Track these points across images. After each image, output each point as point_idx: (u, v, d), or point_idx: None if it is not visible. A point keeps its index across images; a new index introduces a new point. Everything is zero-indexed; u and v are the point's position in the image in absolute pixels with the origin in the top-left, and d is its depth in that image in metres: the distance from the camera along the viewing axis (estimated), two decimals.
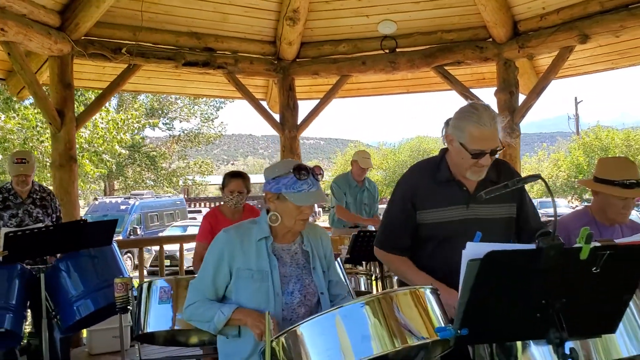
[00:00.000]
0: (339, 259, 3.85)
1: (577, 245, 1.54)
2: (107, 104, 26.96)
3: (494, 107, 6.66)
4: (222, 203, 4.29)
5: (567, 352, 1.61)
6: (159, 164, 31.49)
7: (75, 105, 6.86)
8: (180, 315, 3.15)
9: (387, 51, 6.80)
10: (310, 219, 2.35)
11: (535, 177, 1.80)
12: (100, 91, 6.60)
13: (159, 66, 6.35)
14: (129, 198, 20.48)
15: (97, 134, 13.68)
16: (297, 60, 7.04)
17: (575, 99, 44.00)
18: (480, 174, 2.42)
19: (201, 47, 6.48)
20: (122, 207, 19.16)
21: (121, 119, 14.62)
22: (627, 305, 1.72)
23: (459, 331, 1.62)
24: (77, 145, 14.74)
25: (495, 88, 6.71)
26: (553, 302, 1.62)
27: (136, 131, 26.32)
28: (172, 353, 4.59)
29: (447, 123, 2.53)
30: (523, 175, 2.75)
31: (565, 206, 29.51)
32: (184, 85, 7.45)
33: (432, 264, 2.43)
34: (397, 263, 2.53)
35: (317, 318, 1.78)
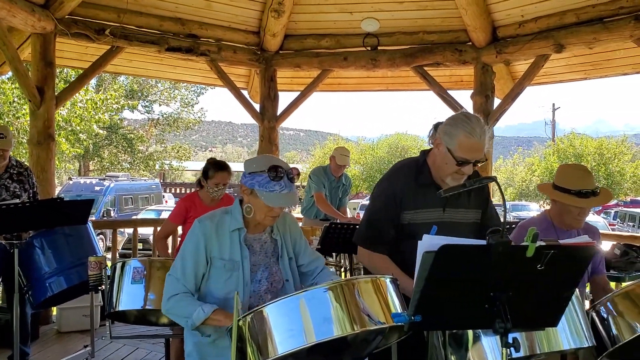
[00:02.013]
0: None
1: (524, 243, 1.68)
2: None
3: (470, 109, 6.87)
4: (199, 189, 4.31)
5: (510, 341, 1.75)
6: (136, 146, 31.24)
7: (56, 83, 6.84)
8: (153, 295, 3.24)
9: (369, 48, 6.91)
10: (286, 209, 2.42)
11: (491, 179, 1.93)
12: (81, 71, 6.60)
13: (141, 50, 6.37)
14: (104, 179, 20.29)
15: (75, 113, 13.55)
16: (280, 52, 7.12)
17: (553, 105, 44.67)
18: (460, 180, 2.50)
19: (185, 33, 6.52)
20: (97, 188, 18.98)
21: (100, 99, 14.49)
22: (568, 302, 1.87)
23: (412, 317, 1.75)
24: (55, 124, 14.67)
25: (472, 91, 6.88)
26: (500, 295, 1.76)
27: (114, 112, 26.12)
28: (142, 332, 4.68)
29: (435, 127, 2.62)
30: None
31: (537, 210, 30.05)
32: (166, 69, 7.47)
33: (407, 263, 2.46)
34: (378, 262, 2.56)
35: (283, 300, 1.89)
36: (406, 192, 2.55)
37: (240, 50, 6.90)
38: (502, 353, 1.75)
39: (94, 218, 15.88)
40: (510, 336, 1.76)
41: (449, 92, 7.22)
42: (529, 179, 33.72)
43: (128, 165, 31.31)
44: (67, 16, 5.71)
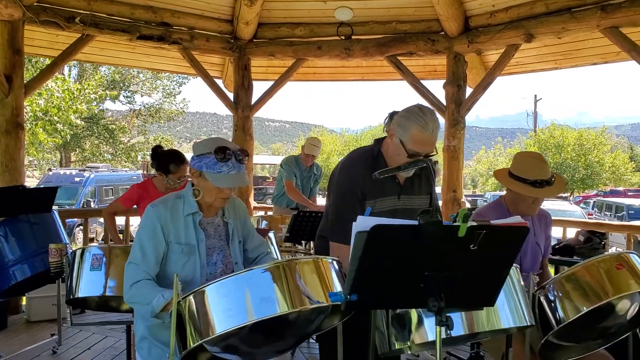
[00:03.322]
0: (271, 233, 3.99)
1: (455, 224, 1.72)
2: (66, 74, 26.38)
3: (442, 99, 6.92)
4: (156, 176, 4.22)
5: (444, 319, 1.79)
6: (118, 137, 30.94)
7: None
8: (112, 281, 3.25)
9: (342, 38, 6.92)
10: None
11: (425, 162, 1.96)
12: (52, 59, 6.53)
13: (112, 38, 6.32)
14: (84, 170, 20.08)
15: (53, 103, 13.40)
16: (254, 40, 7.10)
17: (535, 96, 45.04)
18: (410, 172, 2.54)
19: (157, 21, 6.47)
20: (77, 179, 18.79)
21: (77, 88, 14.33)
22: (503, 281, 1.91)
23: (348, 296, 1.79)
24: (32, 114, 14.50)
25: (445, 80, 6.92)
26: (435, 274, 1.80)
27: (95, 102, 25.84)
28: (102, 319, 4.71)
29: (391, 116, 2.63)
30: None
31: None
32: (139, 58, 7.41)
33: None
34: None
35: (222, 281, 1.91)
36: (366, 182, 2.56)
37: (213, 38, 6.88)
38: (437, 331, 1.79)
39: (74, 208, 15.76)
40: (446, 315, 1.79)
41: (423, 82, 7.26)
42: None
43: (110, 157, 31.02)
44: (35, 3, 5.65)
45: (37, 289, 4.60)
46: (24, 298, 5.59)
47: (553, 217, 3.46)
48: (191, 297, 1.93)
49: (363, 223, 1.70)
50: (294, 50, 7.06)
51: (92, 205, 18.02)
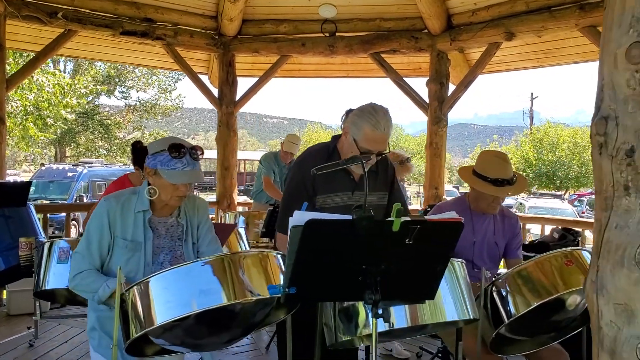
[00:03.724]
0: (241, 229, 4.03)
1: (389, 218, 1.75)
2: (61, 69, 26.32)
3: (425, 97, 6.95)
4: (132, 172, 4.24)
5: (380, 312, 1.83)
6: (113, 132, 30.95)
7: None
8: None
9: (326, 34, 6.95)
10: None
11: (360, 159, 2.00)
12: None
13: (95, 33, 6.34)
14: (77, 165, 20.09)
15: (43, 97, 13.41)
16: (239, 36, 7.13)
17: (531, 94, 45.05)
18: (365, 168, 2.59)
19: (140, 17, 6.50)
20: (69, 174, 18.79)
21: (67, 83, 14.33)
22: (441, 276, 1.95)
23: (287, 289, 1.82)
24: (22, 108, 14.51)
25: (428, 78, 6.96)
26: (372, 268, 1.84)
27: (90, 97, 25.82)
28: (76, 312, 4.76)
29: (347, 114, 2.67)
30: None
31: (513, 198, 30.38)
32: (124, 53, 7.44)
33: None
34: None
35: (164, 273, 1.95)
36: (317, 177, 2.60)
37: (197, 34, 6.91)
38: (372, 323, 1.83)
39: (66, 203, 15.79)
40: (382, 307, 1.83)
41: (408, 79, 7.30)
42: None
43: (105, 152, 31.04)
44: None
45: (12, 282, 4.62)
46: (5, 292, 5.62)
47: (542, 215, 3.50)
48: (135, 288, 1.97)
49: (299, 218, 1.73)
50: (278, 46, 7.09)
51: (85, 200, 18.05)
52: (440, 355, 4.10)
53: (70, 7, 6.02)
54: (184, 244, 2.41)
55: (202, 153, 2.34)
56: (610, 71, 1.25)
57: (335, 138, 2.72)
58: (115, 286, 2.15)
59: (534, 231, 10.05)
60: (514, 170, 3.06)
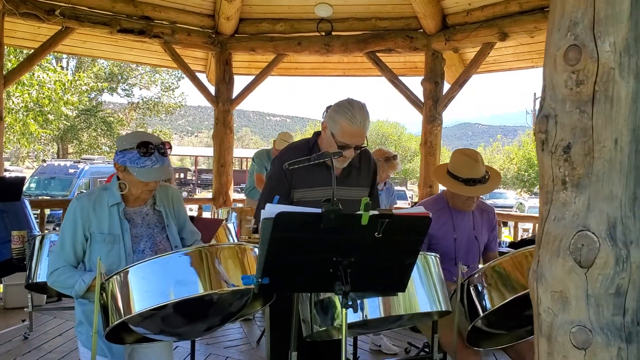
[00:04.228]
0: (230, 224, 4.09)
1: (357, 212, 1.82)
2: (63, 65, 26.41)
3: (420, 96, 7.00)
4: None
5: (350, 303, 1.89)
6: (116, 130, 31.07)
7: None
8: None
9: (322, 34, 7.02)
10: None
11: (330, 156, 2.04)
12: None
13: (93, 31, 6.41)
14: (79, 162, 20.25)
15: (44, 94, 13.51)
16: (235, 35, 7.19)
17: (534, 94, 44.98)
18: (344, 163, 2.66)
19: (138, 15, 6.56)
20: (71, 170, 18.96)
21: (67, 80, 14.43)
22: (410, 268, 2.01)
23: (260, 280, 1.89)
24: (23, 104, 14.61)
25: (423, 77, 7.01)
26: (342, 260, 1.90)
27: (92, 94, 25.91)
28: (71, 305, 4.81)
29: (327, 109, 2.73)
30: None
31: (515, 198, 30.40)
32: (122, 51, 7.51)
33: None
34: None
35: (142, 264, 2.01)
36: (297, 171, 2.65)
37: (194, 33, 6.97)
38: (342, 313, 1.89)
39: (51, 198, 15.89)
40: (351, 298, 1.89)
41: (404, 78, 7.36)
42: (507, 167, 34.05)
43: (107, 149, 31.17)
44: None
45: (5, 276, 4.69)
46: (0, 286, 5.70)
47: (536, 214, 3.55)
48: (115, 277, 2.03)
49: (270, 210, 1.79)
50: (274, 45, 7.16)
51: None
52: (426, 350, 4.16)
53: (67, 5, 6.09)
54: (167, 229, 2.45)
55: (170, 148, 2.37)
56: (550, 72, 1.31)
57: (317, 134, 2.79)
58: (90, 280, 2.22)
59: (534, 231, 10.14)
60: (495, 167, 3.12)
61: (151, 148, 2.27)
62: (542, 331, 1.38)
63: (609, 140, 1.24)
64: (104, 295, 2.05)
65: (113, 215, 2.34)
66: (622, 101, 1.23)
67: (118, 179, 2.40)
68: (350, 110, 2.51)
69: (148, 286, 1.95)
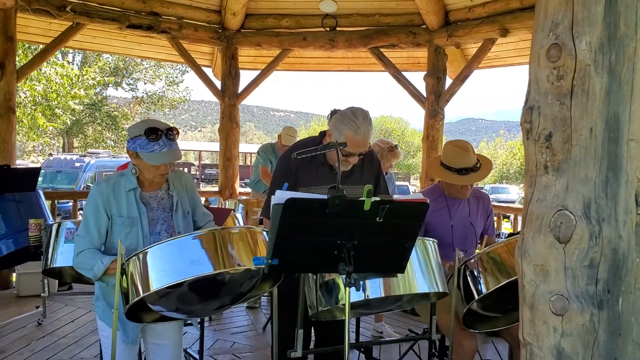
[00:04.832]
0: (238, 214, 4.24)
1: (360, 198, 1.96)
2: (70, 60, 26.59)
3: (423, 91, 7.12)
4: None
5: (353, 281, 2.04)
6: (120, 124, 31.30)
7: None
8: None
9: (327, 29, 7.15)
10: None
11: (334, 147, 2.18)
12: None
13: (103, 26, 6.56)
14: (85, 156, 20.46)
15: (51, 88, 13.68)
16: (242, 30, 7.33)
17: None
18: (347, 166, 2.79)
19: (146, 11, 6.70)
20: (77, 164, 19.15)
21: (75, 74, 14.60)
22: (409, 251, 2.16)
23: (270, 261, 2.04)
24: (31, 99, 14.80)
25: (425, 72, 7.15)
26: (346, 243, 2.05)
27: (98, 88, 26.08)
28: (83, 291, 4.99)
29: (332, 114, 2.85)
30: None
31: (517, 193, 30.52)
32: (131, 46, 7.65)
33: None
34: None
35: (159, 245, 2.17)
36: (302, 169, 2.78)
37: (201, 28, 7.11)
38: (345, 292, 2.03)
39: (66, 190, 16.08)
40: (354, 278, 2.04)
41: (406, 73, 7.50)
42: (510, 162, 34.12)
43: (112, 143, 31.41)
44: None
45: (21, 264, 4.85)
46: (14, 274, 5.87)
47: None
48: (134, 258, 2.19)
49: (280, 196, 1.94)
50: (279, 40, 7.29)
51: None
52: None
53: (78, 1, 6.24)
54: (174, 214, 2.59)
55: (178, 133, 2.52)
56: (535, 68, 1.46)
57: (323, 133, 2.91)
58: (108, 262, 2.38)
59: None
60: (484, 155, 3.26)
61: (159, 133, 2.42)
62: (526, 301, 1.54)
63: (585, 129, 1.39)
64: (124, 276, 2.20)
65: (130, 200, 2.49)
66: (597, 94, 1.37)
67: (132, 165, 2.55)
68: (354, 122, 2.62)
69: (165, 265, 2.10)
